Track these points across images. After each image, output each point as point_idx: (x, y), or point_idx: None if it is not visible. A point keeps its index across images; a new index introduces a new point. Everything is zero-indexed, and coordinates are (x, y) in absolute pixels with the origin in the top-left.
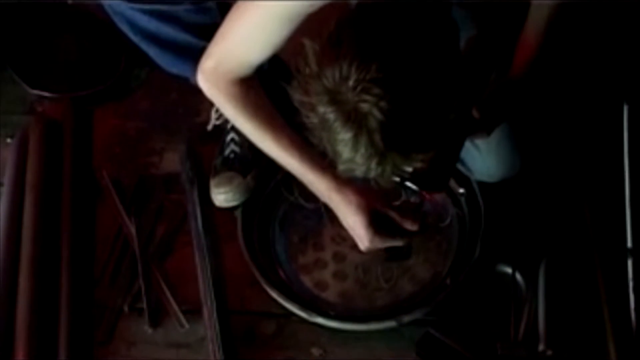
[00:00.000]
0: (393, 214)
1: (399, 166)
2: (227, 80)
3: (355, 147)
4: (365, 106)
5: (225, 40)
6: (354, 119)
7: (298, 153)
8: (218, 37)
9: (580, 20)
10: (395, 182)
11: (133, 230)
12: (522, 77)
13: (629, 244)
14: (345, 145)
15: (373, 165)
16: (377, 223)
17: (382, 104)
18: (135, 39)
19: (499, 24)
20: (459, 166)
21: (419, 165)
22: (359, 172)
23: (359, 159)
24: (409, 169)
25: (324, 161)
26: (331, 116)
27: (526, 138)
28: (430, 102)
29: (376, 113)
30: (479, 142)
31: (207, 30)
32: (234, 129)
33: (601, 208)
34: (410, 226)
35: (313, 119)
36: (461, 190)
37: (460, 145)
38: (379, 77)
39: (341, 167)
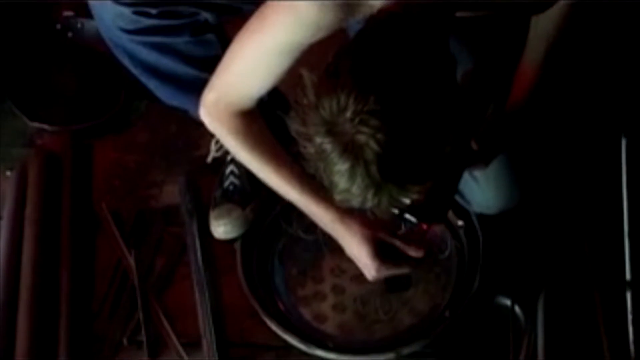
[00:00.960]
0: (398, 243)
1: (395, 197)
2: (228, 112)
3: (351, 178)
4: (362, 138)
5: (227, 73)
6: (351, 150)
7: (300, 185)
8: (220, 70)
9: (577, 53)
10: (394, 214)
11: (132, 262)
12: (520, 108)
13: (628, 276)
14: (341, 176)
15: (369, 196)
16: (382, 252)
17: (379, 136)
18: (135, 71)
19: (497, 57)
20: (458, 198)
21: (415, 196)
22: (355, 202)
23: (355, 189)
24: (406, 200)
25: (326, 193)
26: (328, 147)
27: (525, 170)
28: (426, 135)
29: (373, 145)
30: (478, 173)
31: (207, 63)
32: (233, 161)
33: (600, 240)
34: (415, 253)
35: (310, 149)
36: (460, 223)
37: (458, 177)
38: (376, 109)
39: (337, 197)
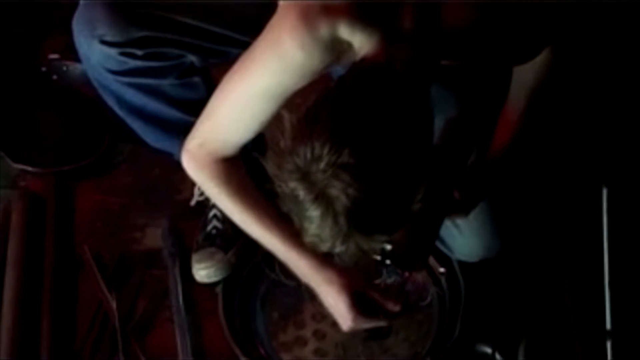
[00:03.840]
0: (375, 295)
1: (362, 245)
2: (211, 159)
3: (321, 224)
4: (333, 191)
5: (211, 120)
6: (321, 200)
7: (280, 232)
8: (204, 117)
9: (559, 102)
10: (375, 261)
11: (114, 305)
12: (501, 157)
13: (608, 325)
14: (311, 222)
15: (338, 242)
16: (359, 303)
17: (350, 190)
18: (120, 112)
19: (480, 104)
20: (440, 245)
21: (382, 245)
22: (324, 247)
23: (325, 235)
24: (375, 248)
25: (307, 244)
26: (300, 193)
27: (506, 218)
28: (397, 190)
29: (343, 199)
30: (459, 221)
31: (192, 106)
32: (216, 205)
33: (580, 289)
34: (392, 307)
35: (285, 190)
36: (441, 270)
37: (439, 225)
38: (349, 163)
39: (307, 240)
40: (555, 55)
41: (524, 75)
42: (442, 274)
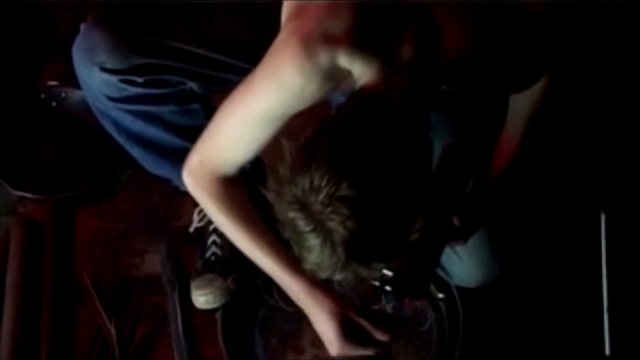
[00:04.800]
0: (365, 324)
1: (360, 274)
2: (211, 177)
3: (319, 254)
4: (332, 224)
5: (212, 138)
6: (320, 231)
7: (276, 254)
8: (205, 135)
9: (557, 128)
10: (374, 287)
11: (113, 331)
12: (500, 183)
13: (607, 351)
14: (309, 251)
15: (337, 271)
16: (348, 330)
17: (349, 223)
18: (120, 139)
19: (478, 130)
20: (439, 271)
21: (380, 272)
22: (324, 274)
23: (324, 264)
24: (378, 275)
25: (300, 264)
26: (299, 224)
27: (505, 244)
28: (395, 221)
29: (342, 231)
30: (458, 247)
31: (192, 133)
32: (215, 231)
33: (579, 315)
34: (380, 337)
35: (285, 218)
36: (440, 295)
37: (439, 252)
38: (348, 196)
39: (307, 267)
40: (552, 82)
41: (521, 101)
42: (440, 299)
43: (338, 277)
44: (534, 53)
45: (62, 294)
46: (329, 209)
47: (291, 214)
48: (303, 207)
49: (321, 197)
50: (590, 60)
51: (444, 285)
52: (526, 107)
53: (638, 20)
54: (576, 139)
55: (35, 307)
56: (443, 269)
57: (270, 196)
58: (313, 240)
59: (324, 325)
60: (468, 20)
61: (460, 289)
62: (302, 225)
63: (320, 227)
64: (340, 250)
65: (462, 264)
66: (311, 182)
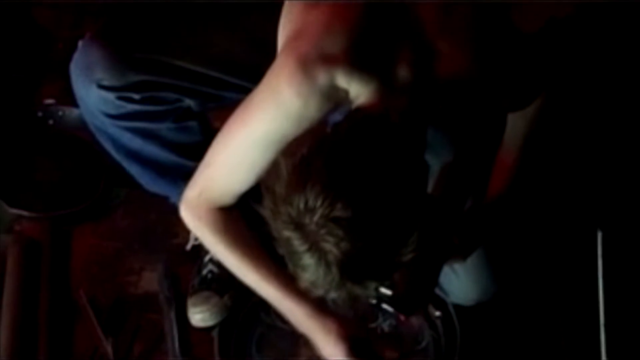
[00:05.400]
0: (374, 342)
1: (354, 292)
2: (209, 208)
3: (314, 273)
4: (326, 245)
5: (209, 168)
6: (314, 251)
7: (276, 281)
8: (202, 165)
9: (553, 147)
10: (372, 305)
11: (110, 349)
12: (498, 201)
13: None
14: (304, 270)
15: (332, 290)
16: (356, 350)
17: (343, 244)
18: (117, 156)
19: (475, 149)
20: (436, 289)
21: (375, 290)
22: (319, 293)
23: (318, 282)
24: (373, 293)
25: (301, 289)
26: (295, 242)
27: (502, 262)
28: (390, 242)
29: (336, 252)
30: (456, 265)
31: (189, 150)
32: None
33: (576, 332)
34: (390, 355)
35: (281, 235)
36: (437, 313)
37: (439, 270)
38: (343, 217)
39: (302, 285)
40: (548, 101)
41: (518, 120)
42: (437, 317)
43: (333, 295)
44: (529, 73)
45: (59, 312)
46: (323, 230)
47: (286, 233)
48: (298, 227)
49: (316, 217)
50: (585, 75)
51: (440, 303)
52: (523, 126)
53: (634, 31)
54: (573, 157)
55: (33, 326)
56: (440, 287)
57: (266, 214)
58: (308, 260)
59: (332, 348)
60: (464, 41)
61: (457, 306)
62: (297, 244)
63: (314, 247)
64: (334, 269)
65: (459, 282)
66: (306, 203)
